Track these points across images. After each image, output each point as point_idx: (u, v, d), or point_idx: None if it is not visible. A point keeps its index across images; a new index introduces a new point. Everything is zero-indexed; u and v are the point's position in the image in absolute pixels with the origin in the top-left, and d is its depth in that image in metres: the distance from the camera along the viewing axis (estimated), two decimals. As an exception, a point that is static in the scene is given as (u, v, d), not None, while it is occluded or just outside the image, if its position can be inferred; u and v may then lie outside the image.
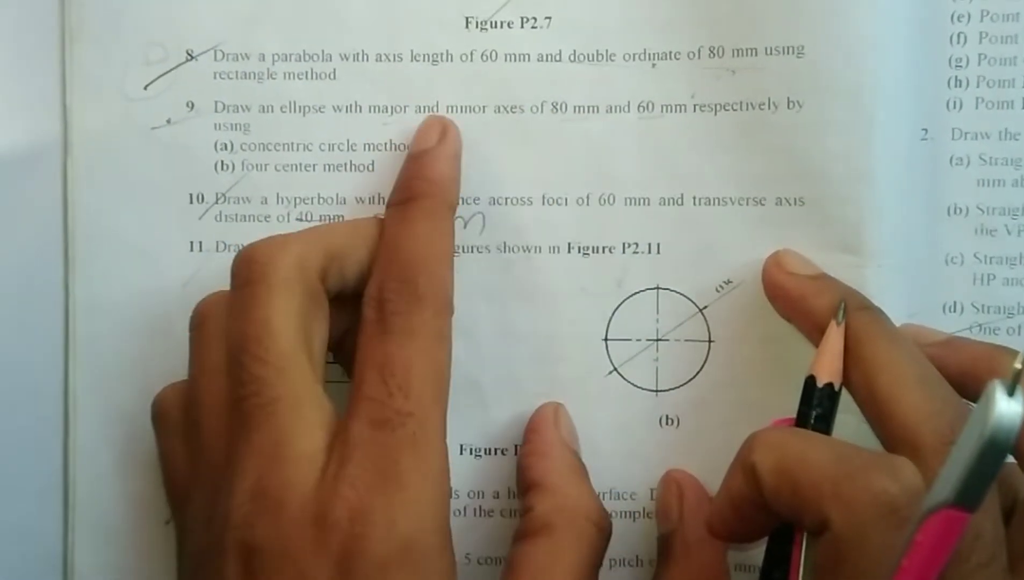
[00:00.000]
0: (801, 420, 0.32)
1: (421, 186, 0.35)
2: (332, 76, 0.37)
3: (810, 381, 0.33)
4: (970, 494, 0.22)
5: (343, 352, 0.35)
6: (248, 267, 0.32)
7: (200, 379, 0.33)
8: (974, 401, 0.32)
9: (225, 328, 0.32)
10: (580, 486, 0.34)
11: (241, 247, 0.33)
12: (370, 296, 0.32)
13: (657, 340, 0.37)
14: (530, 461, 0.35)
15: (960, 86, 0.37)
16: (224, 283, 0.36)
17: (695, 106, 0.37)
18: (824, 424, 0.32)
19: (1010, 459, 0.32)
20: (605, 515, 0.34)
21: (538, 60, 0.37)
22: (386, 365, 0.31)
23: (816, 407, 0.32)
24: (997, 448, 0.21)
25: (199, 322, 0.34)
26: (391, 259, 0.33)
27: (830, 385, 0.32)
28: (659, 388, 0.37)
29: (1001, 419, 0.21)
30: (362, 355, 0.32)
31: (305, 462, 0.30)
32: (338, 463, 0.30)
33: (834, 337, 0.32)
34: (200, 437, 0.32)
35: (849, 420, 0.33)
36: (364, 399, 0.31)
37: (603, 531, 0.34)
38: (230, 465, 0.30)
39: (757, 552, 0.35)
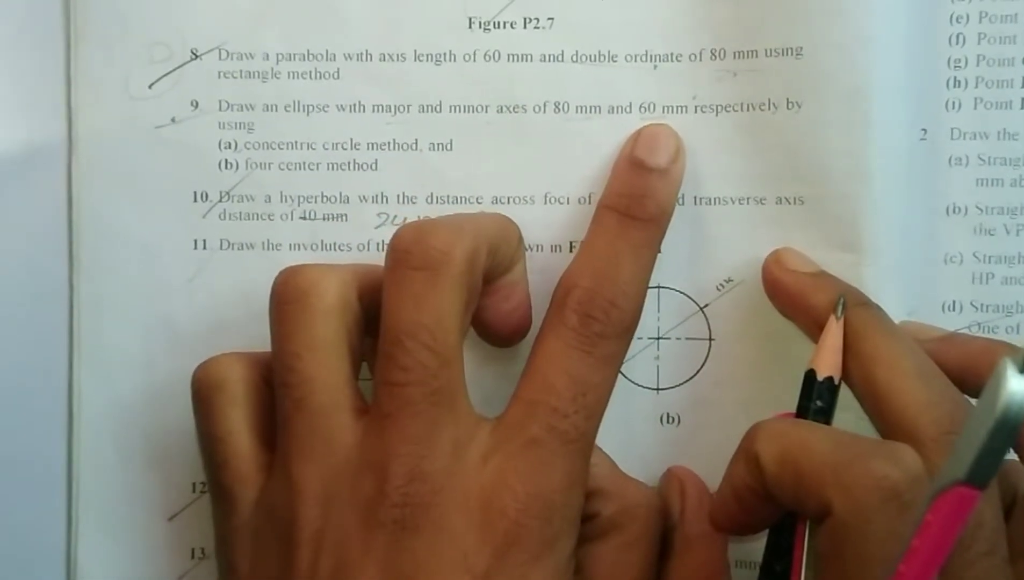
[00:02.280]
0: (801, 413, 0.33)
1: (653, 210, 0.34)
2: (336, 76, 0.37)
3: (810, 375, 0.33)
4: (981, 471, 0.23)
5: None
6: (423, 251, 0.31)
7: (307, 354, 0.32)
8: (973, 396, 0.32)
9: (385, 310, 0.31)
10: (631, 482, 0.35)
11: (400, 228, 0.32)
12: (577, 303, 0.32)
13: (658, 338, 0.37)
14: None
15: (959, 87, 0.37)
16: (228, 282, 0.37)
17: (696, 107, 0.37)
18: (824, 417, 0.32)
19: (1010, 455, 0.32)
20: (658, 498, 0.35)
21: (541, 61, 0.37)
22: (580, 383, 0.32)
23: (816, 400, 0.32)
24: (1009, 425, 0.22)
25: (299, 295, 0.32)
26: (607, 276, 0.33)
27: (830, 379, 0.33)
28: (660, 386, 0.38)
29: (1013, 396, 0.22)
30: (555, 362, 0.32)
31: (461, 451, 0.31)
32: (508, 455, 0.31)
33: (833, 332, 0.33)
34: (307, 413, 0.31)
35: (847, 418, 0.33)
36: (548, 407, 0.31)
37: (661, 512, 0.35)
38: (379, 447, 0.30)
39: (757, 548, 0.35)
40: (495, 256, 0.33)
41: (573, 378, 0.32)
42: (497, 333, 0.36)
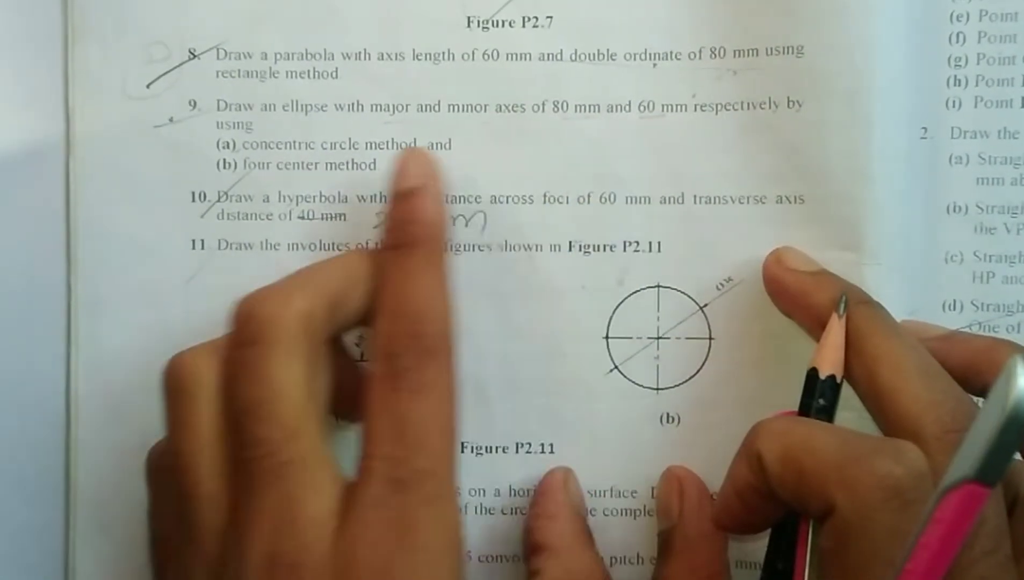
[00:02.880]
0: (804, 412, 0.33)
1: (417, 231, 0.33)
2: (334, 75, 0.37)
3: (812, 373, 0.33)
4: (991, 469, 0.23)
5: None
6: (251, 326, 0.31)
7: (188, 445, 0.31)
8: (975, 394, 0.32)
9: (224, 389, 0.31)
10: (589, 552, 0.35)
11: (237, 300, 0.31)
12: (379, 350, 0.32)
13: (658, 338, 0.37)
14: (539, 523, 0.36)
15: (959, 85, 0.37)
16: (226, 282, 0.37)
17: (696, 106, 0.37)
18: (826, 415, 0.32)
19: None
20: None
21: (539, 59, 0.37)
22: (401, 423, 0.31)
23: (818, 398, 0.32)
24: (1019, 423, 0.22)
25: (178, 386, 0.32)
26: (397, 312, 0.32)
27: (832, 377, 0.32)
28: (660, 386, 0.37)
29: (1023, 394, 0.22)
30: (374, 411, 0.31)
31: (319, 524, 0.30)
32: (357, 524, 0.30)
33: (836, 330, 0.33)
34: (193, 503, 0.31)
35: (848, 416, 0.33)
36: (380, 458, 0.30)
37: None
38: (237, 530, 0.30)
39: (757, 548, 0.35)
40: (346, 307, 0.32)
41: (392, 420, 0.31)
42: None
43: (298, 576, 0.29)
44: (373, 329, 0.33)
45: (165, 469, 0.32)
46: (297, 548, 0.29)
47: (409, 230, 0.33)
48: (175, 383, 0.32)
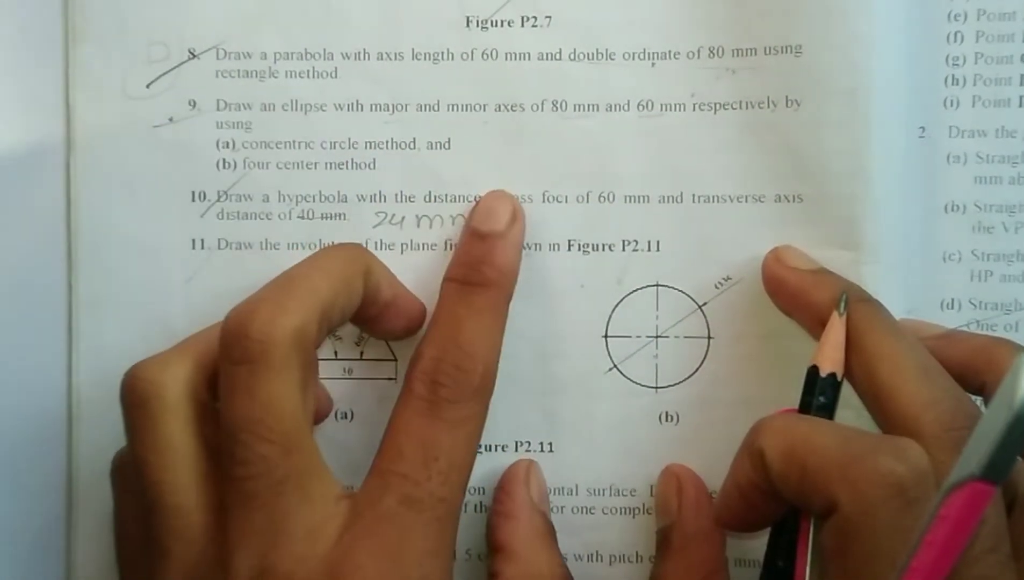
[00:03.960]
0: (804, 410, 0.33)
1: (491, 275, 0.35)
2: (333, 75, 0.37)
3: (812, 371, 0.33)
4: (997, 467, 0.23)
5: None
6: (243, 344, 0.30)
7: (155, 457, 0.31)
8: (974, 393, 0.32)
9: (200, 407, 0.32)
10: (547, 553, 0.35)
11: (229, 313, 0.31)
12: (423, 371, 0.33)
13: (657, 337, 0.37)
14: (498, 521, 0.36)
15: (957, 84, 0.37)
16: (226, 282, 0.37)
17: (694, 105, 0.37)
18: (827, 413, 0.32)
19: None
20: None
21: (538, 59, 0.37)
22: (431, 448, 0.31)
23: (819, 396, 0.32)
24: None
25: (144, 399, 0.31)
26: (451, 341, 0.33)
27: (833, 375, 0.32)
28: (659, 385, 0.38)
29: None
30: (404, 429, 0.32)
31: (313, 536, 0.30)
32: (361, 532, 0.30)
33: (836, 328, 0.33)
34: (164, 513, 0.31)
35: (847, 415, 0.33)
36: (396, 475, 0.31)
37: None
38: (223, 544, 0.30)
39: (755, 546, 0.35)
40: (337, 313, 0.33)
41: (423, 444, 0.31)
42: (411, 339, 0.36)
43: None
44: (417, 351, 0.33)
45: (129, 477, 0.32)
46: (291, 559, 0.30)
47: (483, 270, 0.35)
48: (135, 397, 0.32)
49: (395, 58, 0.37)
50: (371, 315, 0.35)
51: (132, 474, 0.32)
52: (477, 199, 0.37)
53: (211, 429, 0.32)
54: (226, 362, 0.31)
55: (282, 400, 0.30)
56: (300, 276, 0.33)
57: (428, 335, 0.34)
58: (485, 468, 0.37)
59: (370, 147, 0.37)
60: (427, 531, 0.31)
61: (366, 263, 0.35)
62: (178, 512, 0.31)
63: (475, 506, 0.38)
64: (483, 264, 0.35)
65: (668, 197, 0.37)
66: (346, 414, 0.38)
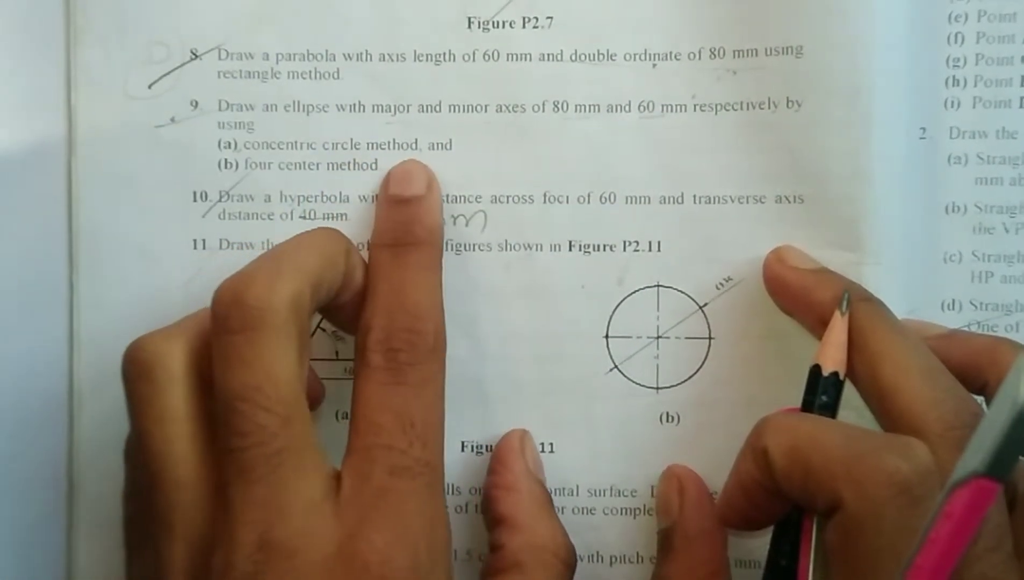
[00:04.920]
0: (807, 409, 0.33)
1: (421, 234, 0.35)
2: (335, 75, 0.37)
3: (815, 370, 0.33)
4: (1001, 463, 0.23)
5: None
6: (239, 312, 0.30)
7: (155, 429, 0.31)
8: (976, 393, 0.32)
9: (200, 377, 0.31)
10: (548, 521, 0.35)
11: (220, 284, 0.31)
12: (376, 342, 0.32)
13: (658, 338, 0.37)
14: (498, 494, 0.36)
15: (958, 85, 0.37)
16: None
17: (695, 106, 0.37)
18: (829, 413, 0.32)
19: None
20: (572, 551, 0.35)
21: (540, 60, 0.37)
22: (404, 415, 0.31)
23: (821, 396, 0.32)
24: None
25: (144, 371, 0.31)
26: (397, 307, 0.33)
27: (835, 374, 0.32)
28: (660, 385, 0.38)
29: None
30: (374, 403, 0.32)
31: (313, 510, 0.30)
32: (363, 508, 0.30)
33: (838, 327, 0.33)
34: (166, 487, 0.31)
35: (848, 415, 0.33)
36: (383, 447, 0.31)
37: (570, 567, 0.34)
38: (225, 517, 0.30)
39: (757, 546, 0.35)
40: (324, 288, 0.33)
41: (396, 412, 0.31)
42: None
43: (295, 562, 0.29)
44: (365, 322, 0.33)
45: (134, 452, 0.32)
46: (294, 534, 0.29)
47: (414, 230, 0.35)
48: (138, 368, 0.31)
49: (397, 59, 0.37)
50: (343, 302, 0.34)
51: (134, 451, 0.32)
52: (479, 200, 0.37)
53: (213, 403, 0.31)
54: (222, 333, 0.30)
55: (281, 367, 0.30)
56: (288, 250, 0.33)
57: (370, 305, 0.33)
58: (486, 467, 0.37)
59: (372, 148, 0.37)
60: (422, 499, 0.31)
61: (345, 243, 0.34)
62: (180, 486, 0.30)
63: (476, 506, 0.38)
64: (412, 224, 0.35)
65: (669, 198, 0.37)
66: (346, 414, 0.38)
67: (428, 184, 0.36)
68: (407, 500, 0.31)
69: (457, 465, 0.38)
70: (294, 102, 0.37)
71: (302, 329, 0.31)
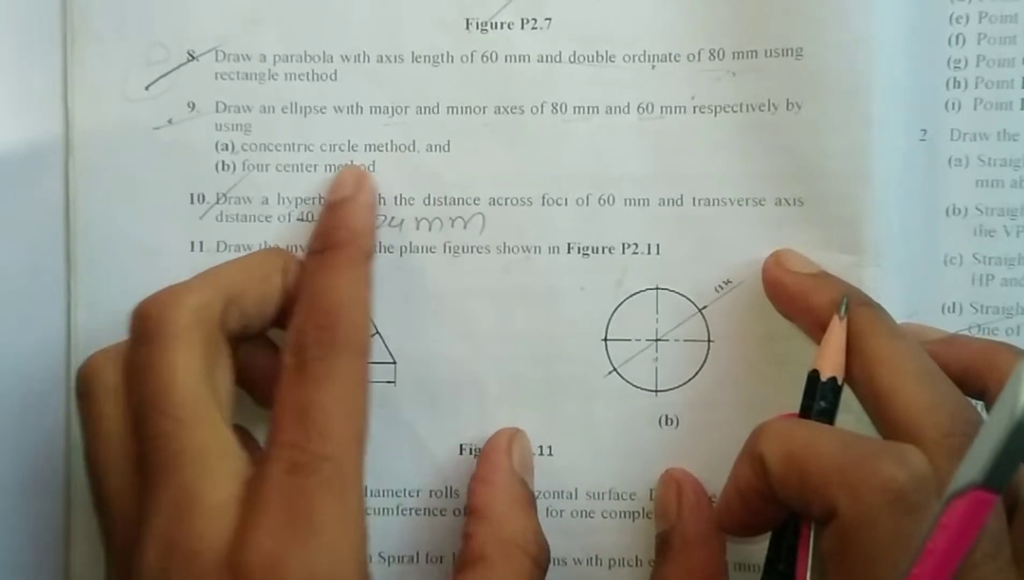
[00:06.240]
0: (805, 414, 0.33)
1: (341, 235, 0.35)
2: (333, 77, 0.37)
3: (813, 375, 0.33)
4: (998, 475, 0.23)
5: (261, 392, 0.36)
6: (143, 324, 0.31)
7: (97, 445, 0.32)
8: (975, 398, 0.32)
9: (125, 389, 0.32)
10: (521, 516, 0.35)
11: (137, 303, 0.32)
12: (288, 342, 0.32)
13: (656, 340, 0.37)
14: (474, 485, 0.36)
15: (959, 87, 0.37)
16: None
17: (695, 107, 0.37)
18: (828, 418, 0.32)
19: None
20: (543, 548, 0.34)
21: (538, 61, 0.37)
22: (304, 410, 0.31)
23: (819, 401, 0.32)
24: None
25: (85, 390, 0.32)
26: (311, 307, 0.33)
27: (833, 379, 0.32)
28: (659, 388, 0.37)
29: None
30: (280, 401, 0.31)
31: (216, 513, 0.29)
32: (253, 511, 0.29)
33: (837, 332, 0.33)
34: (101, 496, 0.32)
35: (847, 419, 0.33)
36: (281, 445, 0.30)
37: (539, 564, 0.34)
38: (140, 523, 0.30)
39: (755, 550, 0.35)
40: (251, 302, 0.33)
41: (296, 407, 0.31)
42: None
43: (194, 565, 0.29)
44: (289, 325, 0.33)
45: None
46: (193, 537, 0.29)
47: (337, 233, 0.35)
48: (81, 386, 0.33)
49: (395, 60, 0.37)
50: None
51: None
52: (477, 202, 0.37)
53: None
54: (131, 345, 0.32)
55: (176, 373, 0.31)
56: (213, 268, 0.34)
57: (295, 310, 0.33)
58: (484, 471, 0.37)
59: (370, 149, 0.37)
60: (320, 496, 0.30)
61: (284, 260, 0.35)
62: (114, 494, 0.31)
63: (474, 509, 0.38)
64: (337, 228, 0.35)
65: (668, 200, 0.37)
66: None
67: (357, 185, 0.36)
68: (300, 498, 0.29)
69: (455, 468, 0.37)
70: (292, 103, 0.37)
71: (208, 335, 0.32)
